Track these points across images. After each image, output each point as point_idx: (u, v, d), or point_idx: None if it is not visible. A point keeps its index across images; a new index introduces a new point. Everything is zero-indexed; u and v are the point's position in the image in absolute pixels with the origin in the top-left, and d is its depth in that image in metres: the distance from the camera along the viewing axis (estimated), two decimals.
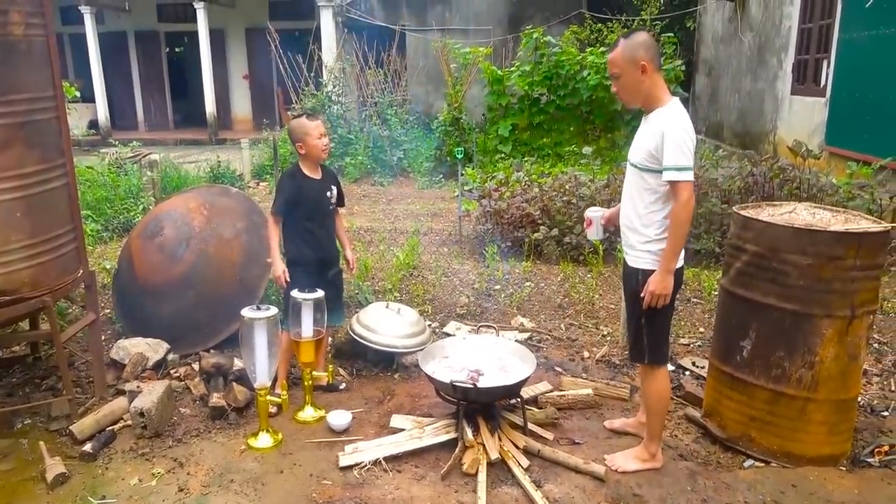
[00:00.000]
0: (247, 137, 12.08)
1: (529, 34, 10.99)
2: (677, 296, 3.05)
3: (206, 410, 3.61)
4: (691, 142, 2.67)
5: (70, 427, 3.41)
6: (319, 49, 12.87)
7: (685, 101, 11.79)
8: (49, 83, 3.34)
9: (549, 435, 3.31)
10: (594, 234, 3.31)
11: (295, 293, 3.41)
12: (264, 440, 3.30)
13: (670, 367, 4.02)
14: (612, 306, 4.99)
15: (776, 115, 9.42)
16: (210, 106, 16.15)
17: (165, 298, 4.19)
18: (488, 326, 3.79)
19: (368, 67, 12.22)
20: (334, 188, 3.74)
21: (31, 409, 3.72)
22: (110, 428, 3.48)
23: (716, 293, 4.37)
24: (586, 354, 4.27)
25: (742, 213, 3.12)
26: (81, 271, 3.64)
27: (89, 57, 16.08)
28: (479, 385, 3.09)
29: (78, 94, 11.02)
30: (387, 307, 4.19)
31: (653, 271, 2.78)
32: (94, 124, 17.06)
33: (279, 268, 3.54)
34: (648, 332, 2.89)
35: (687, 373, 3.99)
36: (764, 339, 3.01)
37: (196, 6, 15.23)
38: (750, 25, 10.57)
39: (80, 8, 15.65)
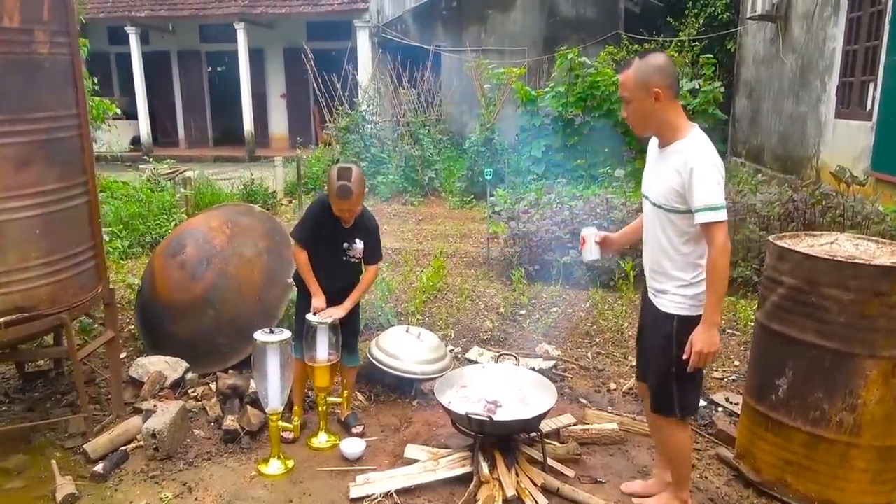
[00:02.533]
0: (282, 155, 12.21)
1: (564, 55, 10.88)
2: None
3: (219, 433, 3.55)
4: (721, 176, 2.42)
5: (84, 446, 3.39)
6: (355, 69, 12.99)
7: (724, 124, 11.56)
8: (73, 102, 3.36)
9: (569, 472, 3.15)
10: (589, 254, 2.96)
11: (309, 316, 3.33)
12: (275, 467, 3.22)
13: (702, 402, 3.82)
14: None
15: (819, 139, 9.11)
16: (248, 124, 16.42)
17: (185, 317, 4.17)
18: (508, 355, 3.65)
19: (402, 87, 12.26)
20: (359, 243, 3.42)
21: (49, 425, 3.72)
22: (124, 448, 3.44)
23: (752, 324, 4.16)
24: (613, 386, 4.09)
25: (778, 243, 2.94)
26: (101, 289, 3.63)
27: (134, 76, 16.53)
28: (496, 418, 2.96)
29: (119, 111, 11.32)
30: (407, 331, 4.10)
31: (690, 318, 2.51)
32: (136, 141, 17.48)
33: (317, 300, 3.34)
34: (681, 383, 2.59)
35: (720, 409, 3.78)
36: (801, 379, 2.82)
37: (236, 27, 15.56)
38: (792, 47, 10.30)
39: (126, 28, 16.13)
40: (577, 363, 4.39)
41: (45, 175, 3.23)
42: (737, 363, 4.38)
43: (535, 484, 2.97)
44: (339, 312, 3.37)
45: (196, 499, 3.02)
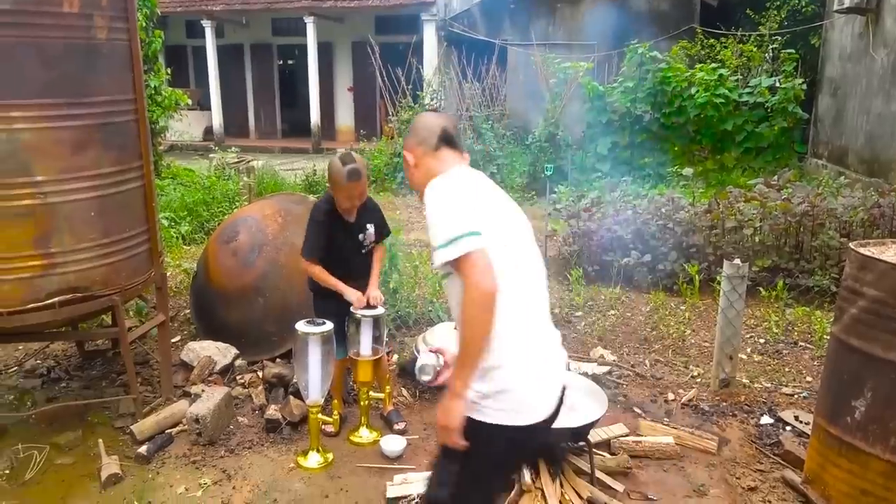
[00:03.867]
0: (346, 147, 12.31)
1: (634, 49, 10.52)
2: (516, 464, 2.23)
3: (262, 422, 3.53)
4: (457, 200, 1.88)
5: (131, 426, 3.43)
6: (420, 62, 12.94)
7: (805, 124, 10.90)
8: (130, 87, 3.39)
9: (618, 486, 2.96)
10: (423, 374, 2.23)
11: (355, 310, 3.25)
12: (314, 460, 3.17)
13: (768, 419, 3.56)
14: (706, 344, 4.53)
15: None
16: (315, 116, 16.65)
17: (236, 304, 4.18)
18: None
19: (466, 81, 12.14)
20: (370, 227, 3.36)
21: (102, 403, 3.80)
22: (169, 431, 3.47)
23: (828, 338, 3.85)
24: (671, 396, 3.86)
25: (861, 251, 2.67)
26: (153, 273, 3.67)
27: (208, 68, 17.03)
28: None
29: (191, 101, 11.68)
30: (455, 328, 3.97)
31: (475, 422, 1.85)
32: (209, 131, 18.02)
33: (353, 295, 3.23)
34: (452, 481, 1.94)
35: (788, 428, 3.50)
36: (882, 401, 2.54)
37: (306, 20, 15.78)
38: (884, 41, 9.59)
39: (202, 22, 16.62)
40: (634, 370, 4.17)
41: (102, 158, 3.27)
42: (809, 379, 4.06)
43: (580, 496, 2.80)
44: (374, 291, 3.30)
45: (234, 487, 3.00)
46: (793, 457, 3.21)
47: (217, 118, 17.59)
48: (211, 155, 11.28)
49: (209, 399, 3.45)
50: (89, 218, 3.24)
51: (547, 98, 10.88)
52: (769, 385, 3.97)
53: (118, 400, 3.76)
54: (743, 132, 10.06)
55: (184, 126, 14.48)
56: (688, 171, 6.67)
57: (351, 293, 3.21)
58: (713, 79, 9.98)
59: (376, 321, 3.29)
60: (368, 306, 3.25)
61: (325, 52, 17.29)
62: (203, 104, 18.26)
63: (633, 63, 10.60)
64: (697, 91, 10.06)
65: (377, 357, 3.34)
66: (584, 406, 3.03)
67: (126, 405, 3.69)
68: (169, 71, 10.28)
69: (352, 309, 3.25)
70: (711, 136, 10.37)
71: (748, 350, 4.46)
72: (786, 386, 3.97)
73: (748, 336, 4.66)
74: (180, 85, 19.13)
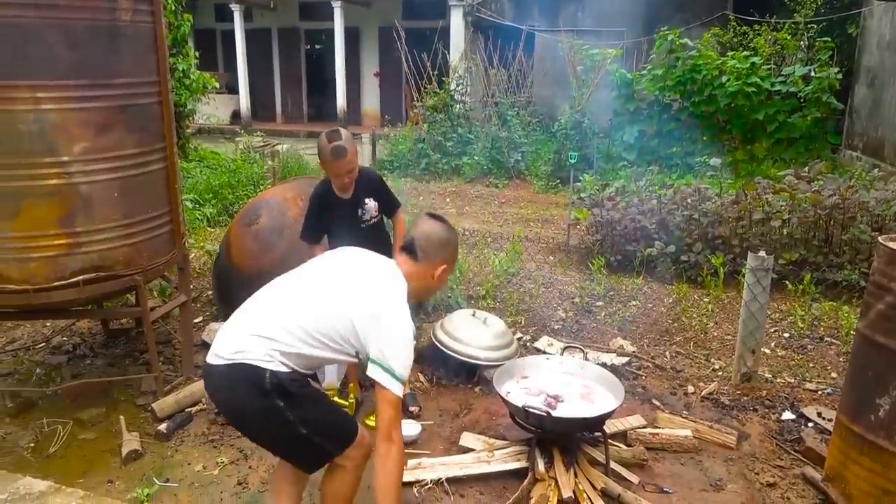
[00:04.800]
0: (371, 132, 12.31)
1: (664, 36, 10.31)
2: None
3: None
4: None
5: (152, 404, 3.49)
6: (446, 48, 12.86)
7: (839, 115, 10.62)
8: (153, 69, 3.41)
9: (633, 478, 2.94)
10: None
11: None
12: None
13: (790, 415, 3.50)
14: (729, 337, 4.45)
15: None
16: (341, 101, 16.66)
17: (257, 286, 4.10)
18: (575, 347, 3.45)
19: (492, 67, 12.04)
20: (369, 201, 3.34)
21: (125, 381, 3.87)
22: (189, 409, 3.52)
23: (854, 334, 3.76)
24: (691, 389, 3.81)
25: (889, 244, 2.59)
26: (175, 253, 3.71)
27: (236, 52, 17.12)
28: (555, 414, 2.78)
29: (218, 85, 11.75)
30: (473, 315, 3.97)
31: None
32: (236, 114, 18.16)
33: None
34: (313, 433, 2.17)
35: (810, 424, 3.43)
36: None
37: (333, 5, 15.75)
38: None
39: (230, 6, 16.69)
40: (654, 362, 4.12)
41: (125, 140, 3.30)
42: (834, 375, 3.98)
43: (594, 487, 2.78)
44: None
45: (250, 467, 3.04)
46: (814, 454, 3.15)
47: (244, 102, 17.71)
48: (237, 139, 11.38)
49: None
50: (112, 198, 3.28)
51: (573, 85, 10.73)
52: (792, 380, 3.90)
53: (140, 378, 3.83)
54: (775, 122, 9.83)
55: (211, 109, 14.59)
56: (715, 161, 6.53)
57: None
58: (745, 67, 9.75)
59: None
60: None
61: (352, 37, 17.29)
62: (231, 88, 18.39)
63: (663, 50, 10.39)
64: (728, 79, 9.84)
65: None
66: (600, 397, 3.01)
67: (148, 383, 3.76)
68: (197, 54, 10.36)
69: None
70: (742, 125, 10.14)
71: (772, 344, 4.38)
72: (809, 382, 3.89)
73: (772, 330, 4.58)
74: (209, 68, 19.26)
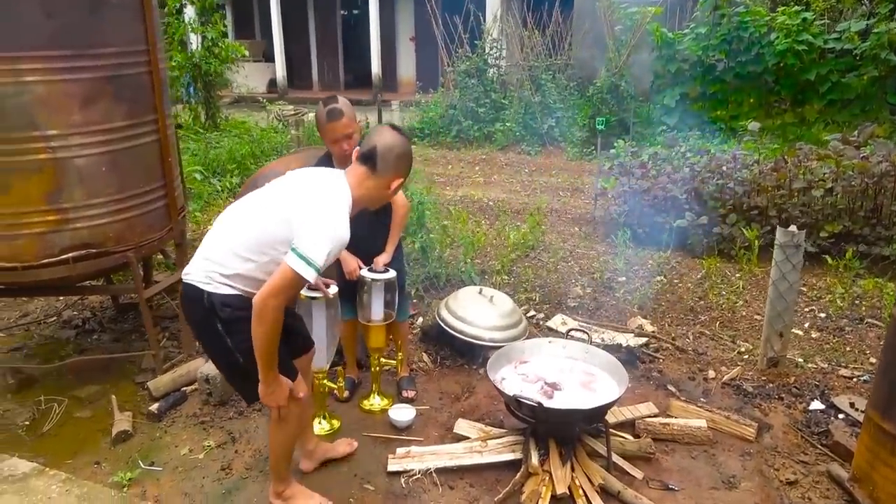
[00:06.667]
0: (403, 99, 12.08)
1: None
2: None
3: None
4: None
5: (148, 383, 3.44)
6: (481, 10, 12.43)
7: None
8: (142, 38, 3.27)
9: (637, 473, 2.73)
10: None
11: (364, 272, 3.09)
12: (319, 426, 3.07)
13: (819, 405, 3.22)
14: (758, 317, 4.15)
15: None
16: (375, 67, 16.39)
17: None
18: (580, 330, 3.23)
19: (526, 30, 11.58)
20: None
21: (127, 358, 3.83)
22: (184, 388, 3.46)
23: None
24: (711, 374, 3.55)
25: None
26: (171, 228, 3.61)
27: (272, 19, 16.98)
28: (549, 404, 2.58)
29: (247, 52, 11.64)
30: (480, 293, 3.78)
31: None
32: (273, 83, 18.09)
33: (352, 262, 3.10)
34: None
35: (840, 416, 3.14)
36: None
37: None
38: None
39: None
40: (674, 343, 3.86)
41: (113, 112, 3.19)
42: (873, 360, 3.65)
43: (591, 483, 2.59)
44: (384, 258, 3.11)
45: (236, 451, 2.95)
46: (843, 449, 2.88)
47: (280, 70, 17.62)
48: (269, 107, 11.30)
49: None
50: (100, 173, 3.19)
51: (609, 46, 10.23)
52: (825, 366, 3.59)
53: (142, 355, 3.79)
54: (827, 82, 9.16)
55: (248, 78, 14.57)
56: (753, 125, 6.09)
57: (347, 262, 3.06)
58: (796, 23, 9.08)
59: (388, 285, 3.12)
60: (376, 270, 3.08)
61: (387, 1, 16.92)
62: (268, 56, 18.30)
63: (708, 6, 9.78)
64: (778, 37, 9.19)
65: (389, 322, 3.19)
66: (602, 385, 2.80)
67: (148, 360, 3.71)
68: (225, 24, 10.26)
69: (362, 272, 3.09)
70: (792, 86, 9.50)
71: (805, 325, 4.06)
72: (844, 367, 3.58)
73: (807, 309, 4.25)
74: (246, 36, 19.22)
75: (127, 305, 4.53)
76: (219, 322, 2.20)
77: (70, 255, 3.17)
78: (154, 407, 3.23)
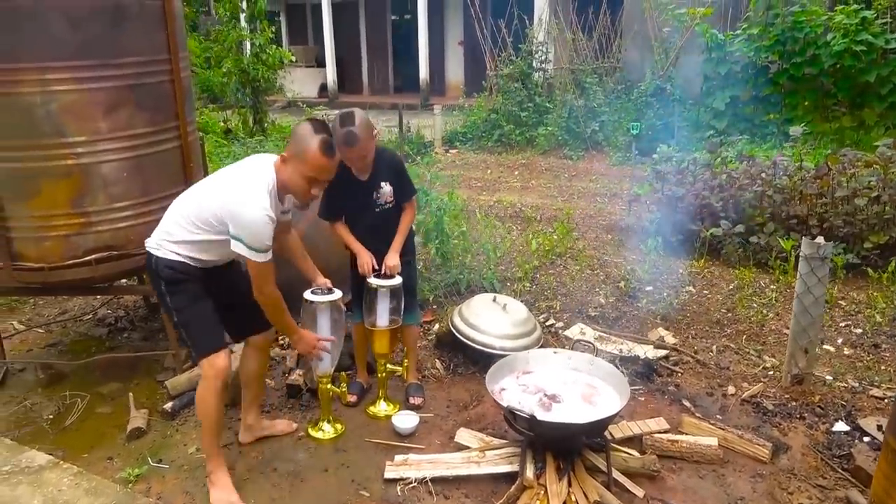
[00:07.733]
0: (449, 103, 12.10)
1: None
2: None
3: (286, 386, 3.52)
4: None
5: (166, 382, 3.54)
6: (528, 12, 12.35)
7: None
8: (163, 47, 3.38)
9: (638, 491, 2.65)
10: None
11: (371, 279, 3.11)
12: (323, 430, 3.10)
13: (843, 426, 3.05)
14: (788, 331, 3.96)
15: None
16: (423, 72, 16.51)
17: (279, 265, 4.16)
18: (586, 342, 3.16)
19: (571, 33, 11.43)
20: (385, 185, 3.10)
21: (153, 356, 3.96)
22: None
23: None
24: (731, 390, 3.41)
25: None
26: None
27: (323, 25, 17.32)
28: (545, 417, 2.54)
29: (294, 58, 11.91)
30: (493, 301, 3.74)
31: None
32: (324, 88, 18.43)
33: (362, 259, 3.12)
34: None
35: (866, 439, 2.97)
36: None
37: None
38: None
39: None
40: (695, 356, 3.73)
41: (135, 119, 3.31)
42: None
43: (588, 499, 2.52)
44: (392, 259, 3.09)
45: (240, 452, 3.01)
46: (864, 474, 2.72)
47: (331, 75, 17.95)
48: (314, 112, 11.51)
49: (236, 359, 3.47)
50: (124, 178, 3.31)
51: (655, 48, 10.00)
52: (855, 385, 3.41)
53: (165, 354, 3.91)
54: (889, 84, 8.71)
55: (299, 84, 14.88)
56: (795, 130, 5.84)
57: (360, 254, 3.09)
58: (854, 23, 8.67)
59: (393, 292, 3.13)
60: (384, 276, 3.09)
61: (436, 4, 17.01)
62: (320, 61, 18.66)
63: (761, 6, 9.44)
64: (835, 37, 8.80)
65: (394, 328, 3.19)
66: (604, 398, 2.73)
67: (169, 360, 3.82)
68: (273, 31, 10.51)
69: (367, 280, 3.11)
70: (849, 89, 9.07)
71: (838, 341, 3.86)
72: (877, 387, 3.38)
73: (843, 324, 4.04)
74: (299, 43, 19.68)
75: (157, 305, 4.68)
76: (162, 282, 2.57)
77: (93, 256, 3.30)
78: (168, 405, 3.33)
